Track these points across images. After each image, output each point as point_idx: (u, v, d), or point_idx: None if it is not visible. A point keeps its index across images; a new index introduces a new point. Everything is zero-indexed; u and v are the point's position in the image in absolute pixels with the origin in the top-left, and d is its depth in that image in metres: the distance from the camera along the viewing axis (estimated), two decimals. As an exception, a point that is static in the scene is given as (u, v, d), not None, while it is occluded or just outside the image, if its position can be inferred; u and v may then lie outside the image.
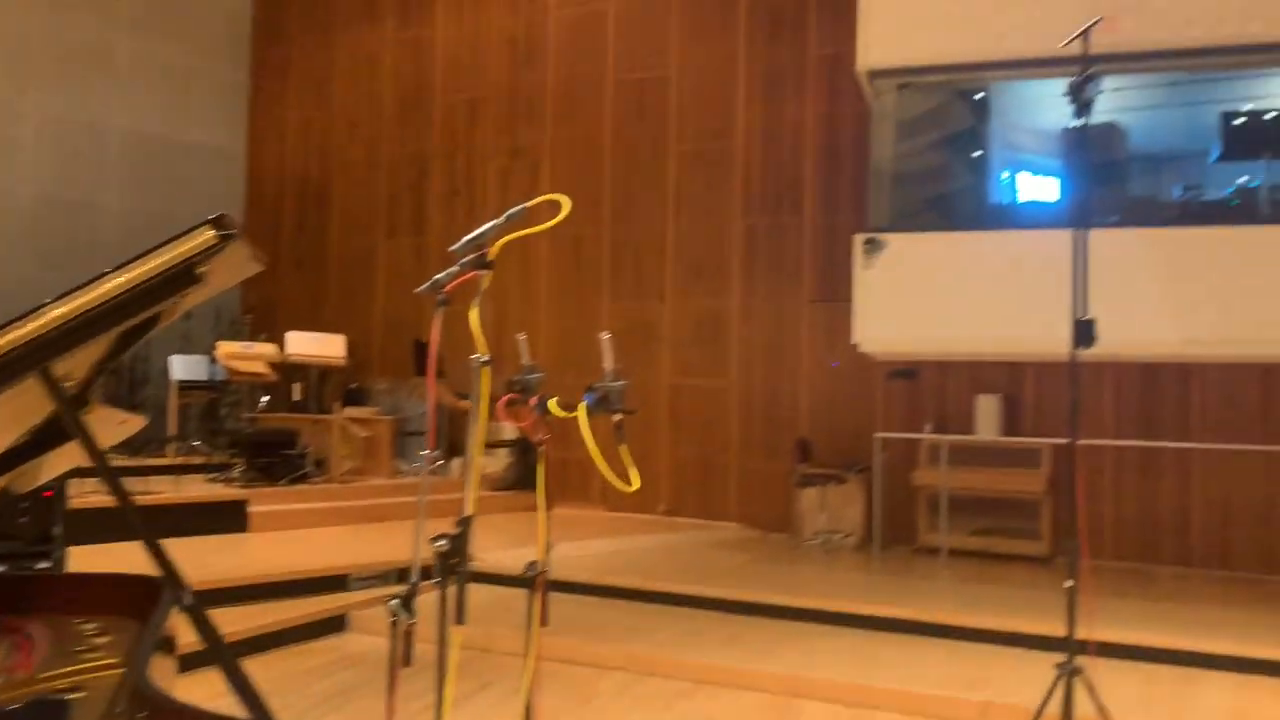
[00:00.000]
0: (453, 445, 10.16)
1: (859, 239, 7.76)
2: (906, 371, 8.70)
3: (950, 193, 8.33)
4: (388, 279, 11.11)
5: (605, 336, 2.38)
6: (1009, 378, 8.34)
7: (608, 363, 2.42)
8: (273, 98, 11.93)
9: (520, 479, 9.87)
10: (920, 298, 7.53)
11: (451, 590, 2.24)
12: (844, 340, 8.09)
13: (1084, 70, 3.65)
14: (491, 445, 10.09)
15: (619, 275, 9.85)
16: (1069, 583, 3.33)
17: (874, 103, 8.03)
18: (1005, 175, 9.17)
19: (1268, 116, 7.84)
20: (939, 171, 8.59)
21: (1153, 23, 7.08)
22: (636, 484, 2.38)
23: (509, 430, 10.13)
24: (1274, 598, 6.75)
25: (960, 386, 8.52)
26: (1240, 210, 7.75)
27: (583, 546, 7.79)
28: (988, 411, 8.18)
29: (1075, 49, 3.72)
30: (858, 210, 8.57)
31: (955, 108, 8.51)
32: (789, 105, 9.25)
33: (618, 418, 2.41)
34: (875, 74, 7.77)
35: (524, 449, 9.94)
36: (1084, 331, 3.70)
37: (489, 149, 10.56)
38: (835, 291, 8.80)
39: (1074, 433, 3.65)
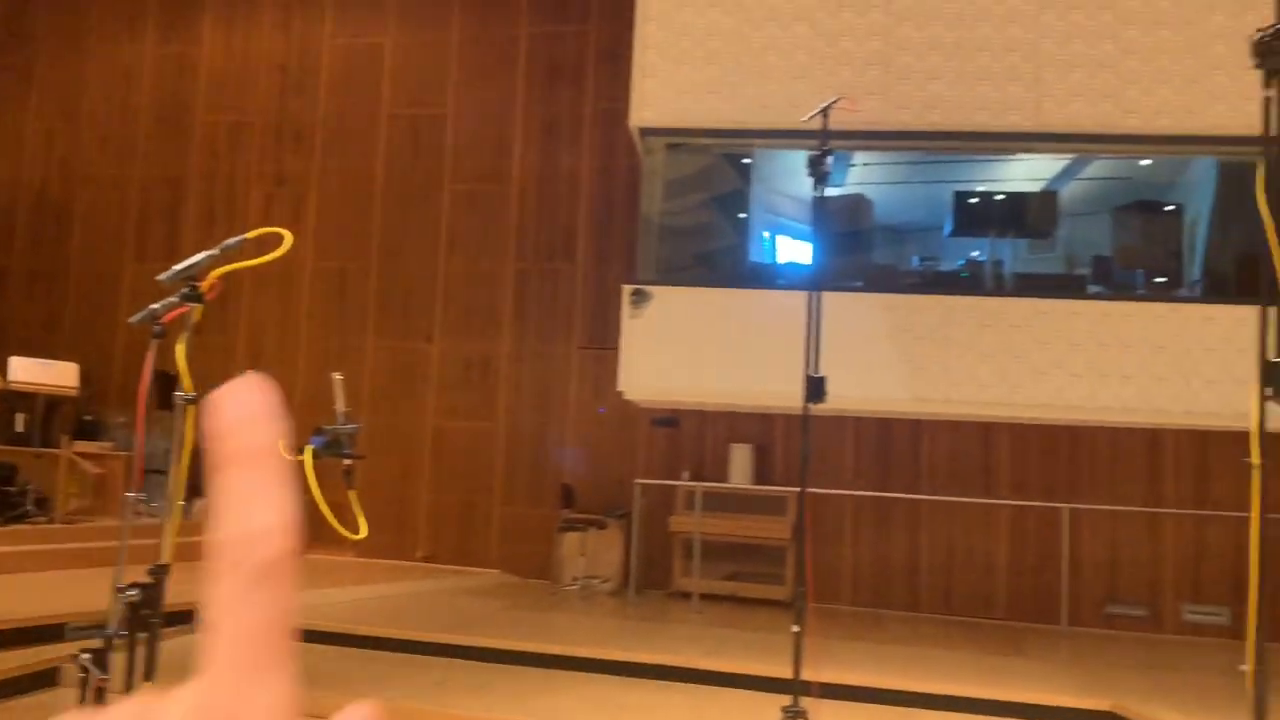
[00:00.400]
0: (193, 486, 9.53)
1: (627, 289, 7.93)
2: (669, 420, 8.94)
3: (714, 250, 8.69)
4: (134, 305, 10.31)
5: (337, 377, 2.31)
6: (762, 428, 8.72)
7: (339, 404, 2.33)
8: (10, 103, 10.96)
9: (271, 521, 9.37)
10: (682, 349, 7.78)
11: (144, 642, 2.09)
12: (611, 387, 8.23)
13: (821, 145, 3.89)
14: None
15: (386, 313, 9.62)
16: (795, 628, 3.48)
17: (645, 159, 8.28)
18: (766, 236, 9.68)
19: (995, 198, 8.67)
20: (705, 229, 8.95)
21: (896, 105, 7.69)
22: (364, 532, 2.30)
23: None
24: (988, 639, 7.32)
25: (718, 435, 8.83)
26: (969, 281, 8.50)
27: (331, 594, 7.47)
28: (741, 460, 8.51)
29: (818, 124, 3.96)
30: (629, 261, 8.78)
31: (723, 170, 8.90)
32: (565, 154, 9.39)
33: (348, 462, 2.32)
34: (646, 131, 8.03)
35: (276, 490, 9.46)
36: (815, 388, 3.89)
37: (252, 175, 10.11)
38: (605, 339, 8.95)
39: (804, 482, 3.84)
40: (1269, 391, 2.78)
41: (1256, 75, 7.30)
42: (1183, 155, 8.02)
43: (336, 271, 9.77)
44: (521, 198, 9.45)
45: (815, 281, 4.20)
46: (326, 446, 2.26)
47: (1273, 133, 2.85)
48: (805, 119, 4.13)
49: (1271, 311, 2.84)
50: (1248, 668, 2.66)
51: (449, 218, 9.58)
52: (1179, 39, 7.43)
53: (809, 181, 9.74)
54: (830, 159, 4.02)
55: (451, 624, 6.57)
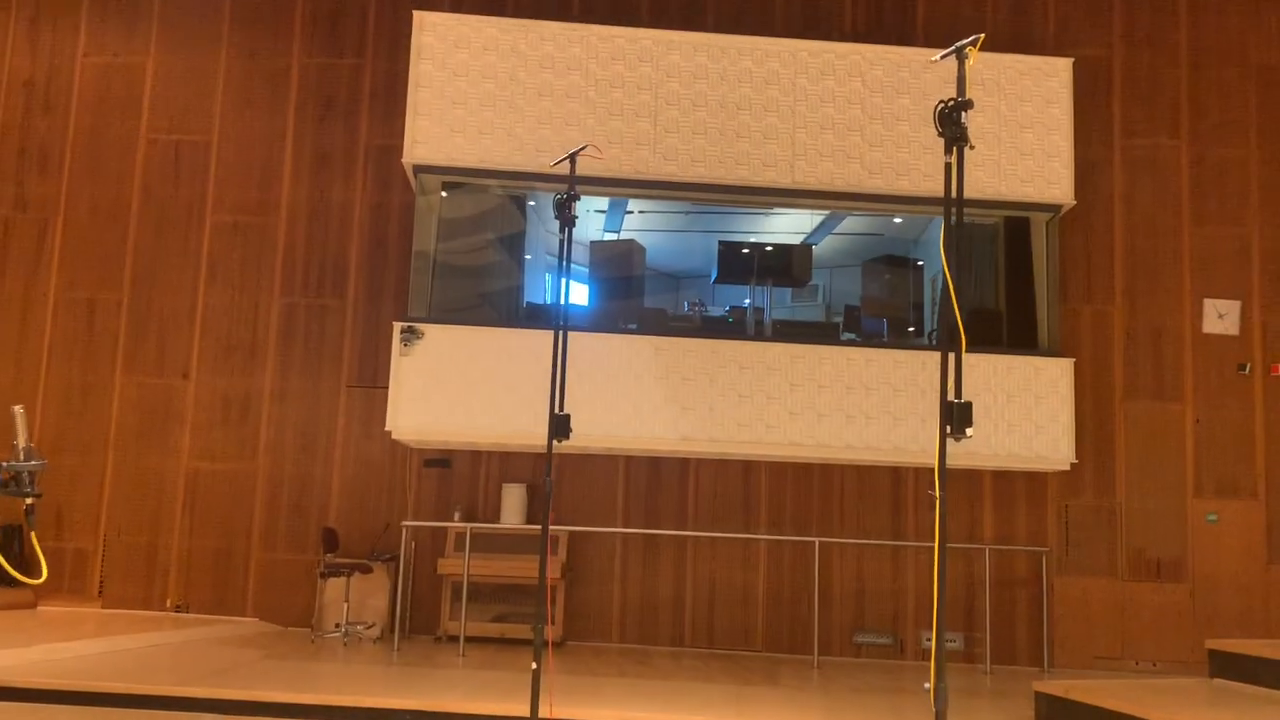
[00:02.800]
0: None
1: (397, 326, 7.82)
2: (440, 460, 8.83)
3: (491, 290, 8.70)
4: None
5: (18, 410, 2.17)
6: (535, 467, 8.76)
7: (20, 440, 2.19)
8: None
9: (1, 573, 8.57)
10: (453, 388, 7.73)
11: None
12: (381, 427, 8.06)
13: (569, 190, 4.02)
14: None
15: (138, 348, 9.06)
16: (534, 665, 3.52)
17: (418, 196, 8.23)
18: (547, 278, 9.80)
19: (755, 248, 9.15)
20: (483, 269, 8.96)
21: (664, 157, 8.01)
22: (44, 575, 2.16)
23: (-14, 516, 8.80)
24: (745, 670, 7.60)
25: (491, 475, 8.80)
26: (733, 326, 8.90)
27: (65, 649, 6.90)
28: (513, 500, 8.51)
29: (564, 169, 4.09)
30: (402, 298, 8.67)
31: (507, 211, 8.95)
32: (338, 188, 9.19)
33: (29, 501, 2.18)
34: (419, 168, 7.99)
35: (7, 537, 8.67)
36: (561, 425, 3.98)
37: (-11, 196, 9.32)
38: (375, 378, 8.77)
39: (545, 521, 3.90)
40: (948, 429, 3.06)
41: (987, 145, 8.01)
42: (917, 215, 8.75)
43: (84, 302, 9.12)
44: (290, 230, 9.16)
45: (560, 322, 4.28)
46: (4, 485, 2.10)
47: (953, 195, 3.17)
48: (553, 164, 4.24)
49: (951, 356, 3.14)
50: (930, 685, 2.90)
51: (211, 248, 9.16)
52: (917, 108, 8.13)
53: (587, 225, 9.95)
54: (576, 203, 4.14)
55: (199, 676, 6.20)
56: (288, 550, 8.77)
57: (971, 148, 3.17)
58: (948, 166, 3.14)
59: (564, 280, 4.37)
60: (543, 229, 9.86)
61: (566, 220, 4.15)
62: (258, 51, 9.37)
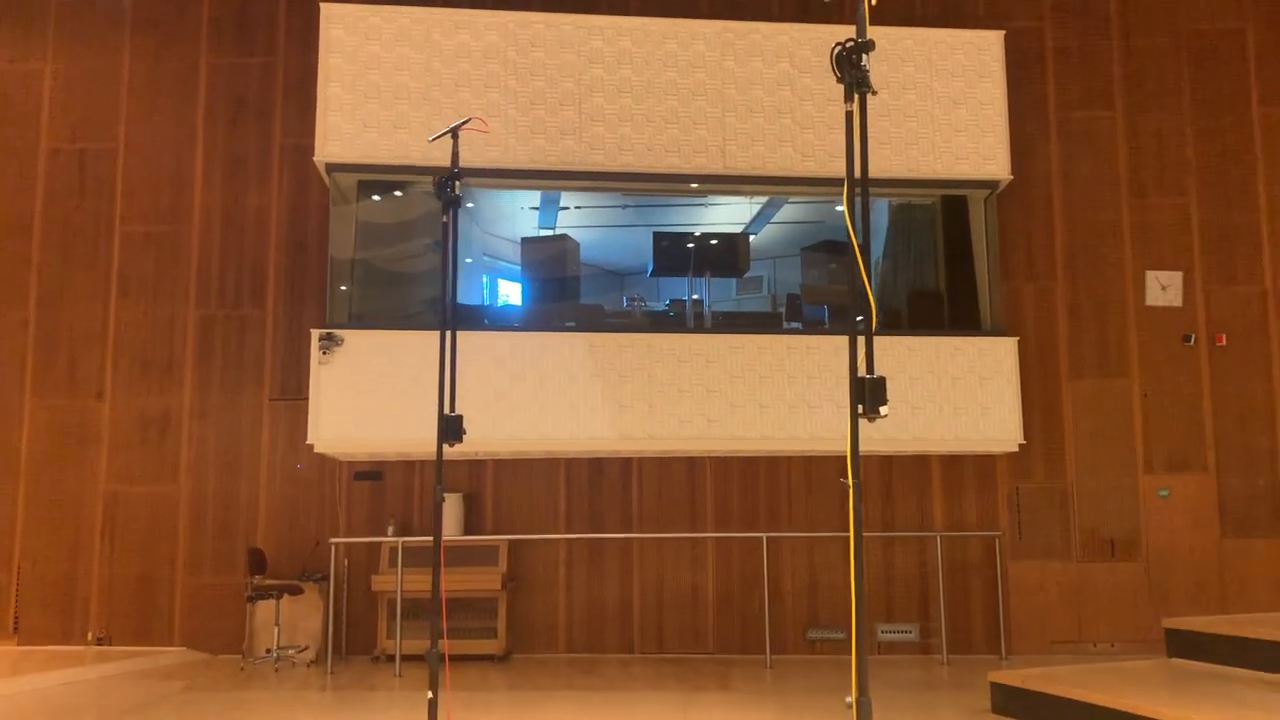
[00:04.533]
0: None
1: (315, 334, 7.45)
2: (371, 473, 8.47)
3: (411, 292, 8.33)
4: None
5: None
6: (471, 475, 8.42)
7: None
8: None
9: (-96, 613, 8.07)
10: (379, 396, 7.37)
11: None
12: (307, 441, 7.67)
13: (452, 170, 3.71)
14: None
15: (47, 368, 8.58)
16: (429, 694, 3.21)
17: (332, 195, 7.86)
18: (483, 280, 9.47)
19: (690, 238, 8.87)
20: (402, 268, 8.59)
21: (590, 146, 7.71)
22: None
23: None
24: (697, 676, 7.32)
25: (426, 486, 8.44)
26: (674, 320, 8.62)
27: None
28: (450, 511, 8.15)
29: (447, 144, 3.77)
30: (325, 305, 8.27)
31: (422, 208, 8.60)
32: (253, 192, 8.77)
33: None
34: (332, 167, 7.63)
35: (-89, 576, 8.17)
36: (452, 427, 3.69)
37: (-121, 214, 8.79)
38: (300, 389, 8.37)
39: (438, 531, 3.60)
40: (860, 409, 2.80)
41: (920, 123, 7.79)
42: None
43: (-14, 323, 8.63)
44: (204, 239, 8.73)
45: (449, 322, 3.97)
46: None
47: (856, 149, 2.91)
48: (431, 139, 3.94)
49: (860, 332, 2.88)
50: (852, 700, 2.62)
51: (121, 260, 8.70)
52: (848, 88, 7.89)
53: (520, 223, 9.62)
54: (457, 184, 3.83)
55: (118, 713, 5.80)
56: (215, 574, 8.35)
57: (874, 93, 2.91)
58: (848, 115, 2.87)
59: (448, 272, 4.05)
60: (478, 229, 9.52)
61: (450, 201, 3.84)
62: (162, 53, 8.93)
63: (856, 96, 2.87)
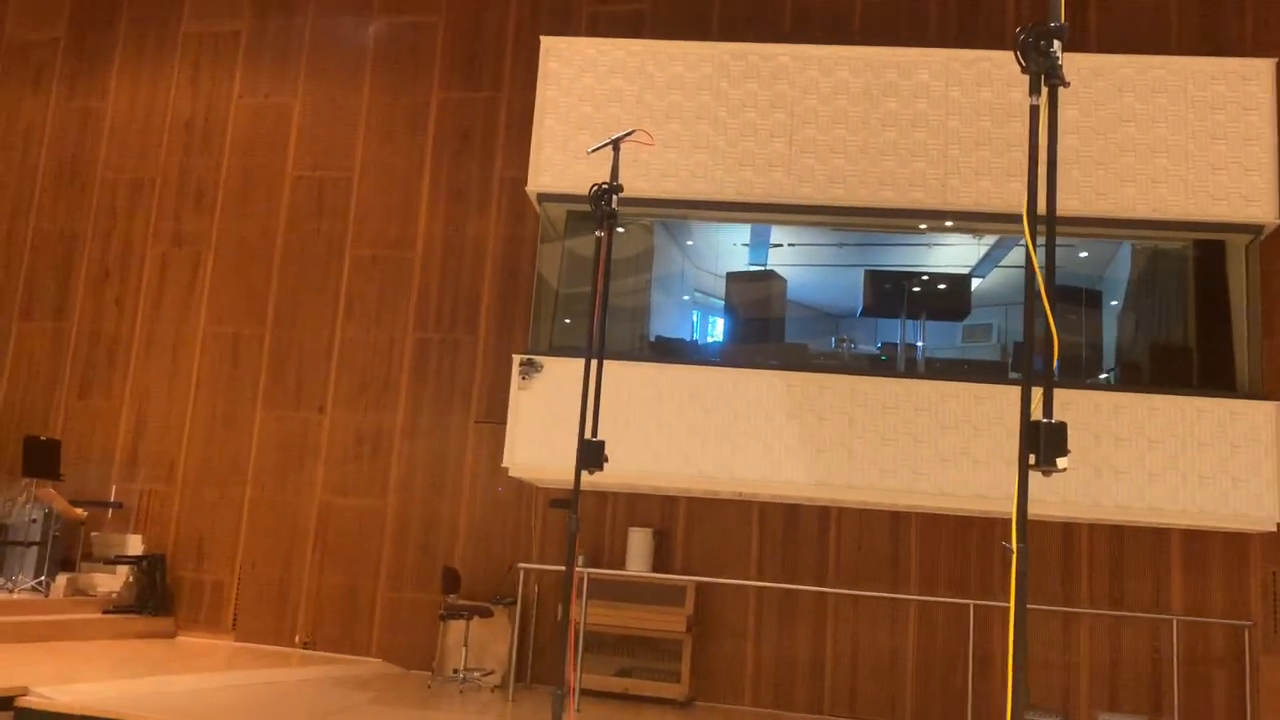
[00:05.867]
0: (65, 560, 8.92)
1: (516, 359, 7.53)
2: (566, 501, 8.44)
3: (619, 325, 8.30)
4: (15, 365, 9.81)
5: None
6: (664, 512, 8.25)
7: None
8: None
9: (143, 600, 8.73)
10: (571, 423, 7.31)
11: None
12: (503, 464, 7.76)
13: (612, 183, 3.55)
14: (112, 561, 8.92)
15: (278, 381, 9.13)
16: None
17: (543, 225, 7.96)
18: (694, 315, 9.36)
19: (918, 277, 8.39)
20: (612, 303, 8.59)
21: (799, 179, 7.44)
22: None
23: (135, 544, 9.02)
24: (887, 746, 6.79)
25: (618, 518, 8.35)
26: (880, 364, 8.18)
27: (192, 681, 6.85)
28: (639, 545, 8.02)
29: (608, 155, 3.61)
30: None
31: (631, 241, 8.59)
32: (472, 221, 9.06)
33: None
34: (543, 197, 7.72)
35: (151, 566, 8.84)
36: (592, 453, 3.51)
37: (149, 233, 9.68)
38: (504, 414, 8.49)
39: (570, 561, 3.40)
40: (1031, 459, 2.39)
41: (1171, 160, 7.08)
42: (1088, 238, 7.81)
43: (230, 337, 9.30)
44: (425, 265, 9.07)
45: (595, 351, 3.79)
46: None
47: (1041, 144, 2.51)
48: (591, 150, 3.79)
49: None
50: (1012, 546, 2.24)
51: (349, 283, 9.17)
52: (1087, 120, 7.26)
53: (729, 259, 9.45)
54: (615, 197, 3.66)
55: (297, 718, 5.97)
56: (414, 590, 8.57)
57: (1066, 85, 2.52)
58: (1033, 109, 2.50)
59: (599, 295, 3.89)
60: (690, 265, 9.43)
61: (603, 215, 3.67)
62: (398, 88, 9.40)
63: (1045, 90, 2.49)
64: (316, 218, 9.36)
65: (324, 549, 8.78)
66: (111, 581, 8.82)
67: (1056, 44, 2.48)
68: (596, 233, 3.61)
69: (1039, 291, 2.44)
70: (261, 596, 8.80)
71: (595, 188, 3.63)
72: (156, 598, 8.77)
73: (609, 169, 7.55)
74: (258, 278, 9.34)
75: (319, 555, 8.78)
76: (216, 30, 9.91)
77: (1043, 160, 2.52)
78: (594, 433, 3.60)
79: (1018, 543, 2.36)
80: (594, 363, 3.58)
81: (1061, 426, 2.38)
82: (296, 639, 8.64)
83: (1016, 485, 2.39)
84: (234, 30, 9.86)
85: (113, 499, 9.18)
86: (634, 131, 3.77)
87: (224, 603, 8.88)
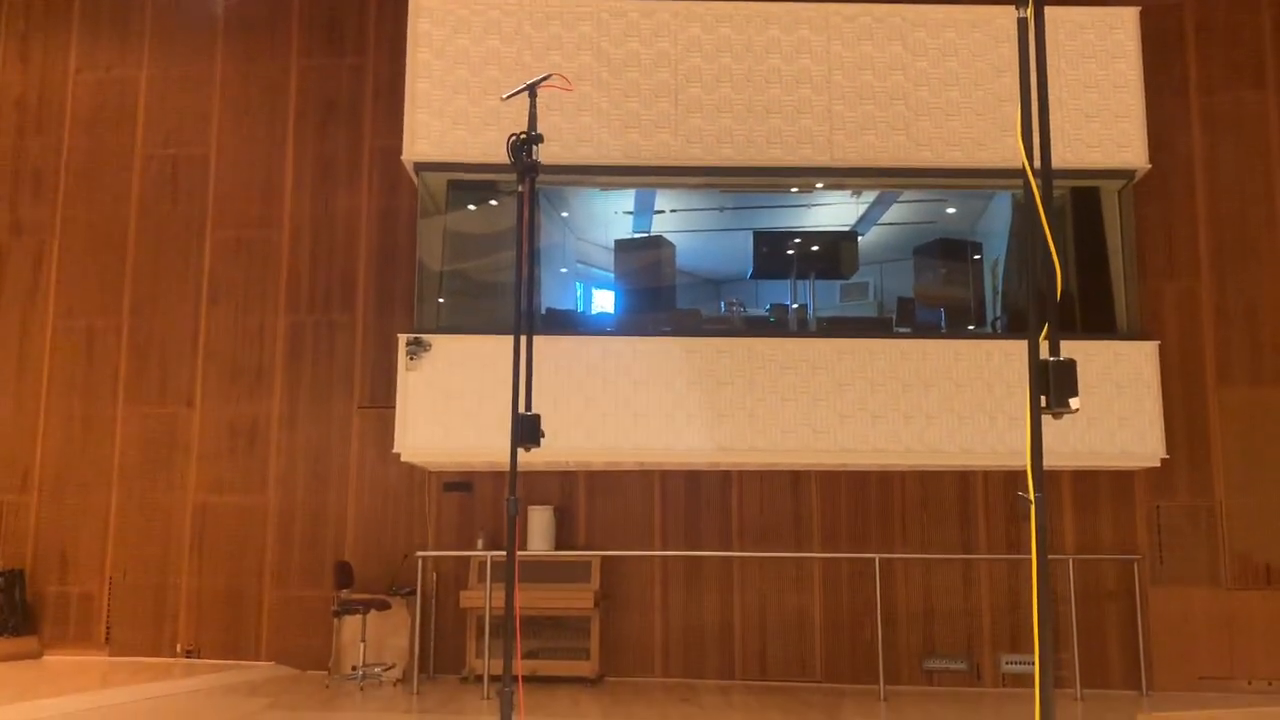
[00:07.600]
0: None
1: (403, 339, 7.16)
2: (461, 484, 8.15)
3: (502, 296, 7.99)
4: None
5: None
6: (564, 488, 8.04)
7: None
8: None
9: (2, 620, 8.04)
10: (467, 404, 7.03)
11: None
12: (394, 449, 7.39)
13: (530, 131, 3.30)
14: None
15: (140, 375, 8.50)
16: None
17: (422, 197, 7.58)
18: (577, 286, 9.11)
19: (807, 237, 8.35)
20: (495, 278, 8.28)
21: (687, 140, 7.27)
22: None
23: (-12, 561, 8.30)
24: (805, 707, 6.78)
25: (518, 498, 8.06)
26: (774, 325, 8.11)
27: (64, 703, 6.30)
28: (540, 524, 7.79)
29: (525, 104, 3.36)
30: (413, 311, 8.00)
31: (512, 209, 8.28)
32: (343, 196, 8.59)
33: None
34: (420, 166, 7.34)
35: (8, 582, 8.15)
36: (528, 428, 3.29)
37: (-18, 223, 8.86)
38: (389, 397, 8.09)
39: (512, 546, 3.18)
40: (1043, 400, 2.28)
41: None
42: (975, 189, 7.90)
43: (83, 330, 8.61)
44: (294, 244, 8.56)
45: (527, 314, 3.56)
46: None
47: (1031, 61, 2.40)
48: (506, 96, 3.54)
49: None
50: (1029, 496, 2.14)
51: (212, 267, 8.59)
52: (967, 71, 7.31)
53: (614, 227, 9.22)
54: (536, 147, 3.41)
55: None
56: (303, 587, 8.13)
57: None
58: (1021, 21, 2.38)
59: (525, 257, 3.64)
60: (571, 236, 9.17)
61: (525, 168, 3.43)
62: (253, 57, 8.82)
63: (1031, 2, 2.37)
64: (172, 199, 8.72)
65: (202, 551, 8.25)
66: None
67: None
68: (518, 187, 3.35)
69: (1041, 223, 2.30)
70: (136, 606, 8.22)
71: (514, 137, 3.36)
72: (17, 616, 8.11)
73: (494, 137, 7.22)
74: (110, 266, 8.66)
75: (197, 558, 8.24)
76: (45, -3, 9.09)
77: (1033, 90, 2.38)
78: (528, 406, 3.34)
79: (1035, 492, 2.22)
80: (524, 330, 3.32)
81: (1071, 364, 2.26)
82: (178, 648, 8.11)
83: (1028, 431, 2.26)
84: (65, -3, 9.06)
85: (-41, 514, 8.43)
86: (550, 76, 3.50)
87: (94, 616, 8.26)
